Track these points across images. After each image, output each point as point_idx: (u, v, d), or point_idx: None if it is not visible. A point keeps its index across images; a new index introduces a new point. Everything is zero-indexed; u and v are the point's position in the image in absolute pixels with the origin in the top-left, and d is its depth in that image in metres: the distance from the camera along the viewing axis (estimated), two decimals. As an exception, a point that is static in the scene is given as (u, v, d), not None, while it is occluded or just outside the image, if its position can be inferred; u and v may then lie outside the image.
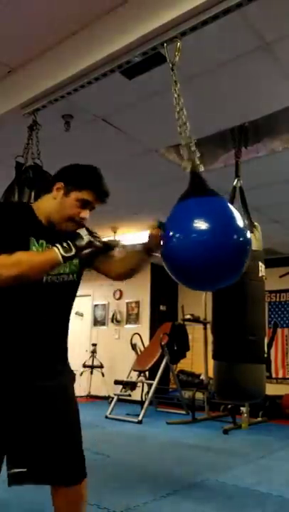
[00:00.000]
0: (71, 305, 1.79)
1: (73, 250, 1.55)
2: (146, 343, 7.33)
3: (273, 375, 6.97)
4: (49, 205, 1.70)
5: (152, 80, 2.52)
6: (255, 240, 2.73)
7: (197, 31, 2.05)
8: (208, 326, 6.13)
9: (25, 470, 1.61)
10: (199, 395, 6.25)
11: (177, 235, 1.73)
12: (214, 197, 1.83)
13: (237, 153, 3.17)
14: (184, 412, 6.31)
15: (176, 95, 1.95)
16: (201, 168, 1.90)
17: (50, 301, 1.66)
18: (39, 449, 1.63)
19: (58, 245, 1.55)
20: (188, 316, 6.69)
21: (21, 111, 2.72)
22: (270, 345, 7.02)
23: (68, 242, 1.56)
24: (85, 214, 1.68)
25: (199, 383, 6.56)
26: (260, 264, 2.74)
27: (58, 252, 1.54)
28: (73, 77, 2.44)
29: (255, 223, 2.79)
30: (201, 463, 3.87)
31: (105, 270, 1.83)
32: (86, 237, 1.60)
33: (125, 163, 3.73)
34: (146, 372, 6.64)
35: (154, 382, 6.09)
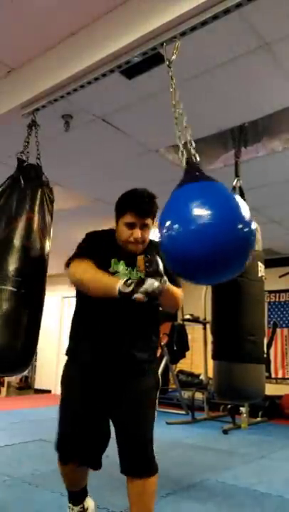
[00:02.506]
0: (152, 318, 2.00)
1: (130, 289, 1.65)
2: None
3: (273, 375, 6.98)
4: (116, 233, 1.97)
5: (152, 80, 2.52)
6: (255, 240, 2.72)
7: (197, 31, 2.05)
8: (208, 326, 6.13)
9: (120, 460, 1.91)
10: (199, 395, 6.26)
11: (174, 225, 1.55)
12: (213, 182, 1.66)
13: (237, 153, 3.17)
14: (183, 412, 6.31)
15: (172, 89, 1.94)
16: (197, 158, 1.79)
17: (130, 313, 1.87)
18: (120, 441, 1.90)
19: (121, 280, 1.70)
20: (187, 316, 6.69)
21: (21, 111, 2.72)
22: (269, 346, 7.03)
23: (132, 280, 1.67)
24: (136, 234, 1.89)
25: (199, 383, 6.56)
26: (260, 264, 2.73)
27: (117, 284, 1.69)
28: (73, 77, 2.44)
29: (255, 223, 2.78)
30: (201, 463, 3.87)
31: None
32: (149, 286, 1.63)
33: (125, 163, 3.73)
34: (146, 373, 6.63)
35: (154, 382, 6.08)
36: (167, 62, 2.01)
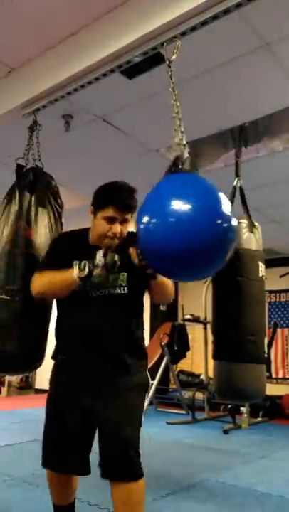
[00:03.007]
0: (129, 315, 1.90)
1: (86, 271, 1.68)
2: (146, 343, 7.32)
3: (273, 375, 6.98)
4: (91, 228, 1.90)
5: (152, 80, 2.52)
6: (255, 240, 2.73)
7: (197, 31, 2.05)
8: (208, 326, 6.13)
9: (102, 464, 1.78)
10: (199, 395, 6.25)
11: (151, 219, 1.50)
12: (194, 174, 1.64)
13: (237, 153, 3.16)
14: (184, 412, 6.31)
15: (170, 89, 1.93)
16: (186, 154, 1.74)
17: (101, 312, 1.82)
18: (101, 444, 1.79)
19: (75, 266, 1.73)
20: (188, 316, 6.69)
21: (21, 111, 2.72)
22: (270, 346, 7.02)
23: (85, 262, 1.70)
24: (116, 228, 1.81)
25: (199, 383, 6.56)
26: (260, 264, 2.73)
27: (74, 272, 1.71)
28: (73, 77, 2.44)
29: (255, 223, 2.79)
30: (201, 463, 3.87)
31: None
32: (99, 258, 1.67)
33: (126, 162, 3.73)
34: (147, 373, 6.64)
35: (154, 382, 6.09)
36: (167, 62, 2.01)
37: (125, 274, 1.81)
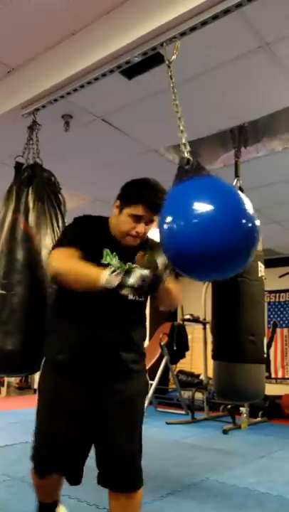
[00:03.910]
0: (140, 319, 1.86)
1: (116, 283, 1.52)
2: (146, 343, 7.32)
3: (273, 375, 6.98)
4: (112, 222, 1.80)
5: (152, 80, 2.52)
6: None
7: (197, 31, 2.05)
8: (208, 326, 6.14)
9: (100, 472, 1.74)
10: (199, 395, 6.25)
11: (176, 220, 1.49)
12: (216, 178, 1.62)
13: (237, 153, 3.17)
14: (183, 412, 6.31)
15: (171, 88, 1.92)
16: (186, 154, 1.73)
17: (119, 311, 1.73)
18: (102, 454, 1.73)
19: (108, 270, 1.55)
20: (187, 316, 6.69)
21: (21, 111, 2.72)
22: (269, 346, 7.03)
23: (119, 271, 1.55)
24: (140, 228, 1.73)
25: (199, 383, 6.56)
26: (260, 264, 2.74)
27: (103, 277, 1.54)
28: (73, 77, 2.44)
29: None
30: (201, 463, 3.87)
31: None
32: (134, 279, 1.52)
33: (125, 163, 3.73)
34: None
35: (154, 382, 6.08)
36: (167, 63, 2.01)
37: None
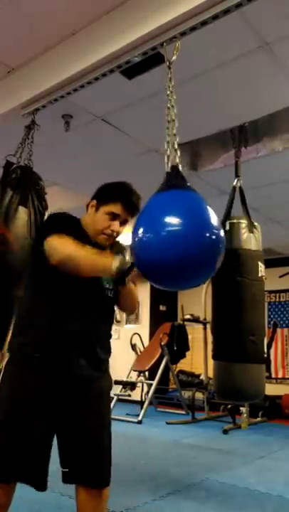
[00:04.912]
0: (112, 317, 1.89)
1: (127, 266, 1.57)
2: (146, 343, 7.33)
3: (273, 375, 6.98)
4: (87, 220, 1.84)
5: (152, 80, 2.52)
6: (255, 240, 2.73)
7: (197, 31, 2.05)
8: (208, 326, 6.13)
9: (67, 470, 1.70)
10: (199, 395, 6.26)
11: (145, 231, 1.57)
12: (188, 191, 1.69)
13: (237, 153, 3.16)
14: (183, 412, 6.31)
15: (168, 92, 1.93)
16: (177, 159, 1.77)
17: (94, 311, 1.75)
18: (73, 450, 1.70)
19: (117, 256, 1.60)
20: (188, 316, 6.69)
21: (21, 111, 2.72)
22: (269, 346, 7.03)
23: (126, 256, 1.63)
24: (116, 226, 1.78)
25: (199, 383, 6.56)
26: (260, 264, 2.73)
27: (115, 261, 1.57)
28: (73, 77, 2.44)
29: (255, 223, 2.79)
30: (201, 463, 3.87)
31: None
32: (129, 257, 1.62)
33: (125, 163, 3.73)
34: (146, 373, 6.64)
35: (154, 382, 6.09)
36: (167, 63, 2.01)
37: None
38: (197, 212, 1.60)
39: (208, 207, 1.62)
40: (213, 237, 1.55)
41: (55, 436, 1.70)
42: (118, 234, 1.81)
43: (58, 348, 1.67)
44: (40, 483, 1.66)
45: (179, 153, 1.77)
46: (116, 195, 1.80)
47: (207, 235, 1.54)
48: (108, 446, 1.76)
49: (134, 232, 1.60)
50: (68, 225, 1.76)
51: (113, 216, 1.78)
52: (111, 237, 1.80)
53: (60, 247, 1.64)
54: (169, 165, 1.75)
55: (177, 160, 1.75)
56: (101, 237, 1.79)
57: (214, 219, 1.59)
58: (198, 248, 1.52)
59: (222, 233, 1.60)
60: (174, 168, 1.75)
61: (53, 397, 1.65)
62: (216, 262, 1.59)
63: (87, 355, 1.71)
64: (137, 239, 1.58)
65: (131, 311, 2.01)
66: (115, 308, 1.92)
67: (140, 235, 1.57)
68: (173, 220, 1.53)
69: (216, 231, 1.57)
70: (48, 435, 1.68)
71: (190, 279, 1.63)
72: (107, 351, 1.82)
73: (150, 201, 1.68)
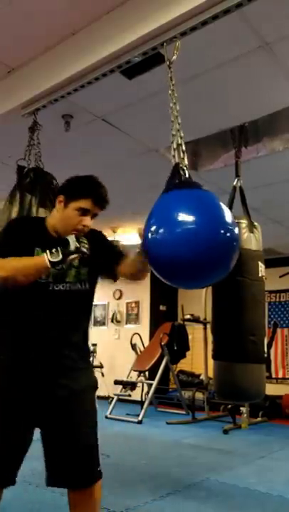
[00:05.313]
0: (85, 311, 1.85)
1: (60, 256, 1.61)
2: (146, 343, 7.33)
3: (273, 375, 6.97)
4: (54, 217, 1.81)
5: (152, 80, 2.52)
6: (255, 240, 2.73)
7: (197, 31, 2.05)
8: (208, 326, 6.13)
9: (52, 472, 1.70)
10: (199, 395, 6.25)
11: (160, 229, 1.59)
12: (200, 189, 1.71)
13: (237, 153, 3.16)
14: (184, 412, 6.31)
15: (170, 91, 1.93)
16: (185, 162, 1.82)
17: (59, 307, 1.73)
18: (57, 451, 1.69)
19: (47, 251, 1.62)
20: (188, 316, 6.69)
21: (21, 111, 2.72)
22: (269, 345, 7.02)
23: (57, 248, 1.63)
24: (86, 221, 1.75)
25: (199, 383, 6.56)
26: (260, 264, 2.73)
27: (45, 257, 1.61)
28: (73, 77, 2.44)
29: (255, 223, 2.79)
30: (201, 463, 3.87)
31: (123, 272, 1.84)
32: (73, 243, 1.63)
33: (125, 163, 3.73)
34: (146, 373, 6.64)
35: (154, 382, 6.09)
36: (167, 63, 2.01)
37: (86, 268, 1.77)
38: (212, 209, 1.60)
39: (222, 204, 1.62)
40: (228, 234, 1.55)
41: (41, 441, 1.71)
42: (89, 228, 1.79)
43: (28, 351, 1.69)
44: (10, 480, 1.69)
45: (184, 148, 1.78)
46: (85, 190, 1.77)
47: (222, 231, 1.54)
48: (91, 443, 1.73)
49: (147, 230, 1.61)
50: (13, 238, 1.76)
51: (84, 212, 1.75)
52: (82, 232, 1.76)
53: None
54: (175, 162, 1.76)
55: (184, 159, 1.77)
56: (72, 233, 1.76)
57: (229, 216, 1.59)
58: (213, 245, 1.51)
59: (237, 231, 1.60)
60: (182, 166, 1.78)
61: (30, 397, 1.66)
62: (231, 261, 1.59)
63: (58, 353, 1.71)
64: (150, 236, 1.59)
65: (135, 278, 1.95)
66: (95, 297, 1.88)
67: (153, 233, 1.57)
68: (187, 217, 1.53)
69: (231, 228, 1.56)
70: (28, 433, 1.68)
71: (203, 277, 1.62)
72: (78, 347, 1.78)
73: (162, 198, 1.68)
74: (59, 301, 1.73)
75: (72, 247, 1.62)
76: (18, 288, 1.68)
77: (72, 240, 1.64)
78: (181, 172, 1.79)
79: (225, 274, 1.64)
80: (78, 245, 1.63)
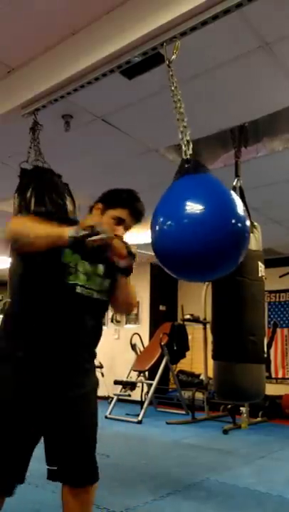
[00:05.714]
0: (101, 317, 1.88)
1: (80, 234, 1.58)
2: (146, 343, 7.33)
3: (273, 375, 6.98)
4: (89, 220, 1.79)
5: (152, 80, 2.52)
6: (255, 240, 2.73)
7: (197, 31, 2.05)
8: (208, 326, 6.13)
9: (55, 468, 1.74)
10: (199, 395, 6.26)
11: (167, 220, 1.54)
12: (208, 174, 1.65)
13: (237, 153, 3.16)
14: (183, 412, 6.31)
15: (173, 87, 1.94)
16: (190, 151, 1.80)
17: (81, 309, 1.74)
18: (63, 449, 1.73)
19: (71, 227, 1.61)
20: (187, 316, 6.69)
21: (21, 111, 2.72)
22: (269, 345, 7.03)
23: (79, 227, 1.62)
24: (119, 231, 1.78)
25: (199, 383, 6.56)
26: (260, 264, 2.73)
27: (67, 230, 1.59)
28: (73, 77, 2.44)
29: (255, 223, 2.79)
30: (201, 463, 3.87)
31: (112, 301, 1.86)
32: (98, 226, 1.61)
33: (125, 163, 3.73)
34: (146, 373, 6.64)
35: (154, 382, 6.09)
36: (167, 62, 2.01)
37: (109, 281, 1.80)
38: (223, 200, 1.53)
39: (233, 193, 1.57)
40: (239, 224, 1.48)
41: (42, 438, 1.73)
42: (120, 238, 1.80)
43: (45, 350, 1.69)
44: (12, 487, 1.74)
45: (191, 145, 1.78)
46: (125, 201, 1.81)
47: (233, 221, 1.48)
48: (93, 444, 1.77)
49: (154, 221, 1.59)
50: (47, 216, 1.76)
51: (119, 221, 1.79)
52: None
53: (13, 222, 1.70)
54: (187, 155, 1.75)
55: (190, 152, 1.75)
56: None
57: (240, 206, 1.52)
58: (223, 236, 1.44)
59: (248, 222, 1.53)
60: (187, 159, 1.76)
61: (41, 396, 1.67)
62: (241, 253, 1.52)
63: (72, 356, 1.73)
64: (157, 228, 1.56)
65: (126, 309, 2.01)
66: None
67: (160, 224, 1.54)
68: (195, 207, 1.46)
69: (242, 219, 1.49)
70: (37, 433, 1.70)
71: (211, 269, 1.56)
72: (90, 349, 1.82)
73: (171, 188, 1.65)
74: (82, 303, 1.74)
75: (96, 228, 1.60)
76: (29, 252, 1.65)
77: (98, 224, 1.64)
78: (189, 161, 1.76)
79: (233, 266, 1.58)
80: (102, 229, 1.61)
